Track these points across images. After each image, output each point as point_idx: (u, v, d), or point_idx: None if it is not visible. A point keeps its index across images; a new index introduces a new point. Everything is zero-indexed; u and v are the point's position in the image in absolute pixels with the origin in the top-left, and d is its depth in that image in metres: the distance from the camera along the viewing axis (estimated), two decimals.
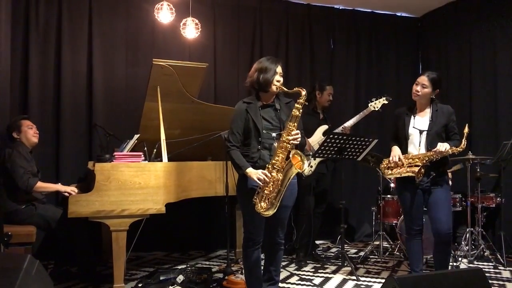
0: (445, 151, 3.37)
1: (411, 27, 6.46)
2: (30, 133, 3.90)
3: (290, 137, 2.88)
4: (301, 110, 2.95)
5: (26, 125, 3.89)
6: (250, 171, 2.93)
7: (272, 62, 3.04)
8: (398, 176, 3.59)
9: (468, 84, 5.54)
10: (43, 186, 3.76)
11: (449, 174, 4.88)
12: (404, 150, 3.63)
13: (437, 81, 3.54)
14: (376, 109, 4.65)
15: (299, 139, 2.92)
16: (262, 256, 3.21)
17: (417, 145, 3.56)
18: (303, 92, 2.98)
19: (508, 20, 5.12)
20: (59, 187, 3.84)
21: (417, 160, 3.48)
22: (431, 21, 6.25)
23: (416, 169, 3.43)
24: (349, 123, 4.69)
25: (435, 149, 3.40)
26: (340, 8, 6.10)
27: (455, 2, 5.75)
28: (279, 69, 3.04)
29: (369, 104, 4.66)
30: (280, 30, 5.81)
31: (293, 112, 2.93)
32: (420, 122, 3.60)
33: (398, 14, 6.37)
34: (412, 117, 3.62)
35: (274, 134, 3.02)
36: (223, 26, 5.52)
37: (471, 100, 5.49)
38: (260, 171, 2.90)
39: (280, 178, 2.90)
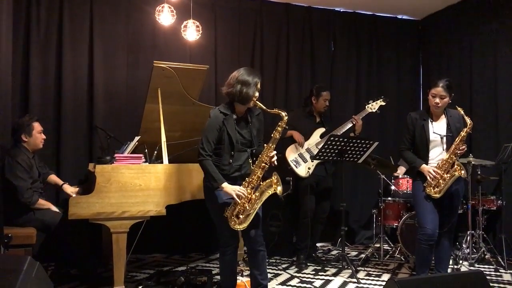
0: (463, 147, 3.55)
1: (412, 29, 6.46)
2: (39, 138, 3.90)
3: (269, 158, 3.01)
4: (281, 134, 3.07)
5: (37, 130, 3.88)
6: (226, 186, 2.98)
7: (254, 76, 3.07)
8: (448, 186, 3.54)
9: (469, 86, 5.53)
10: (41, 203, 3.77)
11: None
12: (424, 156, 3.64)
13: (451, 87, 3.61)
14: (374, 110, 4.63)
15: (275, 160, 3.06)
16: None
17: (440, 150, 3.61)
18: (285, 117, 3.06)
19: (509, 23, 5.12)
20: (52, 207, 3.85)
21: (446, 163, 3.53)
22: (432, 23, 6.25)
23: (457, 170, 3.48)
24: (342, 130, 4.65)
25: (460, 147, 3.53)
26: (341, 10, 6.10)
27: (456, 5, 5.75)
28: (259, 84, 3.09)
29: (366, 106, 4.65)
30: (280, 32, 5.81)
31: (273, 135, 3.05)
32: (438, 127, 3.64)
33: (399, 16, 6.37)
34: (430, 122, 3.65)
35: (249, 150, 3.11)
36: (224, 28, 5.53)
37: (471, 102, 5.48)
38: (237, 187, 2.97)
39: (257, 196, 3.00)
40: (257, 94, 3.08)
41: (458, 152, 3.54)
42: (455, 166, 3.50)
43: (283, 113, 3.06)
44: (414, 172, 3.74)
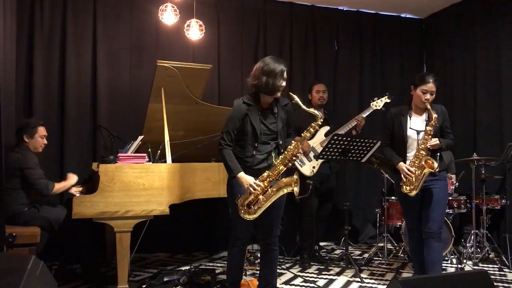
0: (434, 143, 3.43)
1: (415, 28, 6.44)
2: (40, 142, 3.91)
3: (294, 157, 2.93)
4: (312, 134, 3.00)
5: (40, 134, 3.89)
6: (242, 176, 2.92)
7: (279, 65, 2.96)
8: (422, 182, 3.46)
9: (473, 85, 5.51)
10: (59, 187, 3.81)
11: (453, 178, 4.88)
12: (403, 153, 3.58)
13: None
14: (379, 107, 4.63)
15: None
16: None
17: (415, 146, 3.53)
18: (319, 119, 2.97)
19: None
20: (69, 182, 3.88)
21: (416, 159, 3.46)
22: (435, 22, 6.23)
23: (426, 163, 3.39)
24: (346, 128, 4.63)
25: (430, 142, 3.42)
26: (344, 9, 6.09)
27: (459, 4, 5.73)
28: (285, 73, 2.99)
29: (371, 104, 4.65)
30: (284, 31, 5.81)
31: (303, 135, 2.98)
32: (416, 122, 3.58)
33: (402, 15, 6.36)
34: (408, 117, 3.60)
35: (272, 143, 3.03)
36: (227, 27, 5.53)
37: (475, 101, 5.46)
38: (253, 180, 2.90)
39: (273, 190, 2.92)
40: (284, 83, 2.98)
41: (429, 146, 3.44)
42: (423, 162, 3.40)
43: (319, 114, 2.97)
44: (393, 170, 3.70)
